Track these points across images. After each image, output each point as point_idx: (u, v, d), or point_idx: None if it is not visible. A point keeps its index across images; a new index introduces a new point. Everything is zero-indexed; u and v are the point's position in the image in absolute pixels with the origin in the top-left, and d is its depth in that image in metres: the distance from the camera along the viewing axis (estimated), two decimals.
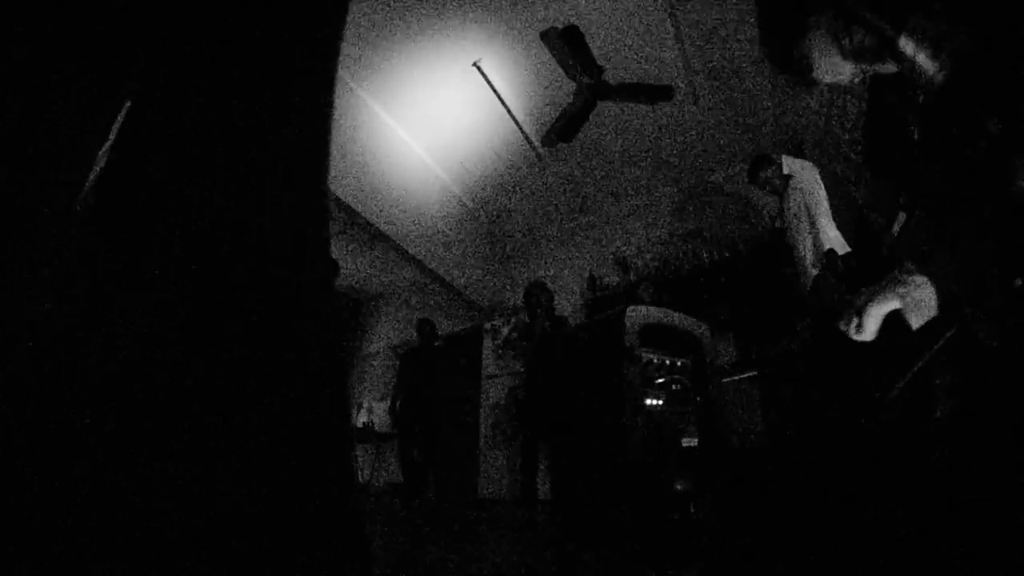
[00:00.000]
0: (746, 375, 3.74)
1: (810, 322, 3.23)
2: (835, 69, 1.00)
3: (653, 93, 4.52)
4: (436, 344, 5.74)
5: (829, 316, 2.89)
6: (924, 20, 0.82)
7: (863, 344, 0.98)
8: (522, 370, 4.72)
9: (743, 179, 5.54)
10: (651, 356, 2.95)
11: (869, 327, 0.96)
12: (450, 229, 6.24)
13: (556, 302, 4.96)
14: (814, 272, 3.19)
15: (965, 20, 0.79)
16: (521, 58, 4.49)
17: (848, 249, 3.17)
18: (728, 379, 3.69)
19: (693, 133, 5.45)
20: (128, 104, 0.53)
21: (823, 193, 3.35)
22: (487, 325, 6.97)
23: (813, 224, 3.26)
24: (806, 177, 3.42)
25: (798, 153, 4.51)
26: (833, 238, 3.20)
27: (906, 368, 1.10)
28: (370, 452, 7.17)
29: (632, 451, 2.66)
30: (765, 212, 5.23)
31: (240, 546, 0.45)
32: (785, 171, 3.51)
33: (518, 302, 6.98)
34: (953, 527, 1.14)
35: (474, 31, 4.25)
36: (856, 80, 1.01)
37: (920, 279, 0.93)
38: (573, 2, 4.00)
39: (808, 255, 3.24)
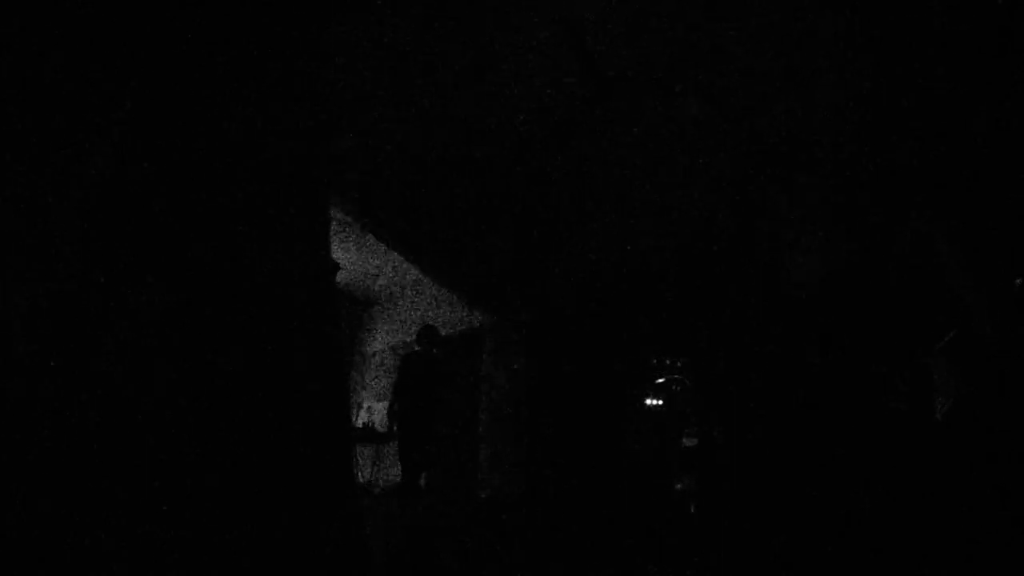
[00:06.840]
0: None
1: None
2: None
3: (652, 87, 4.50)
4: (435, 351, 5.71)
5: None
6: None
7: (864, 344, 0.98)
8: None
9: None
10: (651, 356, 2.95)
11: None
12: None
13: None
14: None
15: None
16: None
17: None
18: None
19: (693, 132, 5.43)
20: (128, 108, 0.53)
21: None
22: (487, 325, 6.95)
23: None
24: None
25: (806, 154, 4.48)
26: None
27: (910, 367, 1.10)
28: (369, 453, 7.14)
29: (632, 451, 2.66)
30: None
31: (241, 545, 0.45)
32: None
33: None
34: (953, 525, 1.14)
35: None
36: None
37: None
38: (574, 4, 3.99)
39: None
